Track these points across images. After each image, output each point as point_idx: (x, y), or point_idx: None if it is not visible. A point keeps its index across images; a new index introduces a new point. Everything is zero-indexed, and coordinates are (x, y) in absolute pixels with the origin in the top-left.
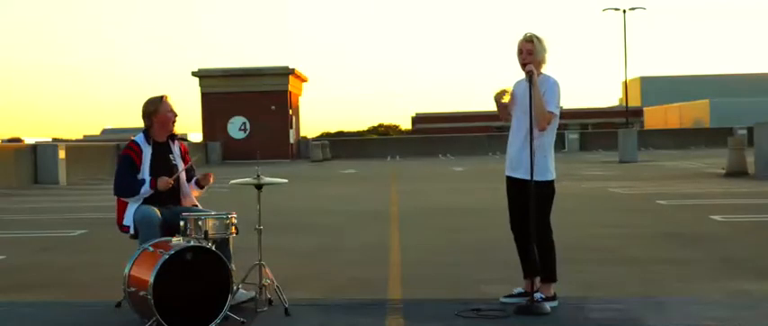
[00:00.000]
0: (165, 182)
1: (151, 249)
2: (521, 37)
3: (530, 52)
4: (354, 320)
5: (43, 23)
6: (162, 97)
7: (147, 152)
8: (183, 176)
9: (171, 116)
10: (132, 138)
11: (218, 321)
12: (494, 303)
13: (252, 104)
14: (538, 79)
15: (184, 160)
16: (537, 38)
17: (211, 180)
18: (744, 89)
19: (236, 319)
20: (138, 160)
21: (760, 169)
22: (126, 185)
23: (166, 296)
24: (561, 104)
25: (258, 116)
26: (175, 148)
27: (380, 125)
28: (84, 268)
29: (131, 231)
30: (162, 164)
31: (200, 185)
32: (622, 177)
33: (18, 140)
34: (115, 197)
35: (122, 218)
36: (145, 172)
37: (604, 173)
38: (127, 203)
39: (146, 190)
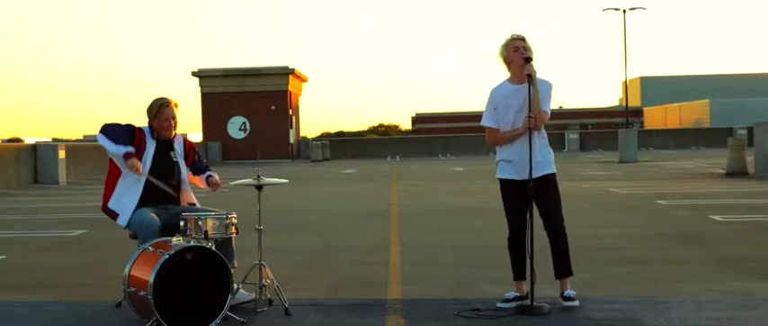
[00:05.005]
0: (134, 165)
1: (151, 248)
2: (507, 39)
3: (525, 48)
4: (354, 320)
5: (43, 23)
6: (165, 103)
7: (151, 148)
8: (184, 172)
9: (165, 125)
10: (139, 126)
11: (218, 320)
12: (494, 303)
13: (252, 104)
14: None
15: (189, 156)
16: (526, 38)
17: (219, 187)
18: (744, 89)
19: (236, 319)
20: (141, 149)
21: (760, 169)
22: (116, 132)
23: (166, 296)
24: (561, 105)
25: (258, 116)
26: (177, 145)
27: (380, 125)
28: (84, 268)
29: (121, 222)
30: (163, 161)
31: (208, 184)
32: (622, 177)
33: (18, 140)
34: (105, 179)
35: (108, 199)
36: (145, 167)
37: (604, 173)
38: (115, 185)
39: (119, 149)
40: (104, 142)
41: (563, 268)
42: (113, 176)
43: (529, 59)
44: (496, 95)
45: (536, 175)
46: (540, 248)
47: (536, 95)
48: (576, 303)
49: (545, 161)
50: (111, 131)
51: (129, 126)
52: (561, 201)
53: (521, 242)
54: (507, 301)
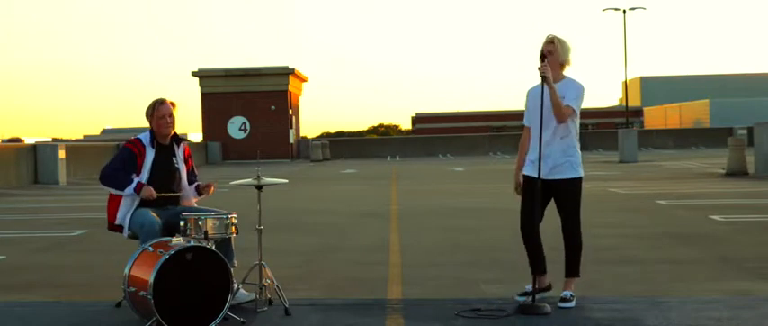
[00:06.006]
0: (148, 192)
1: (151, 248)
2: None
3: (551, 52)
4: (354, 320)
5: (43, 23)
6: (160, 101)
7: (150, 155)
8: (184, 177)
9: (162, 122)
10: (138, 135)
11: (218, 320)
12: (494, 303)
13: (252, 104)
14: (562, 82)
15: (186, 163)
16: (558, 39)
17: (212, 191)
18: (744, 89)
19: (236, 319)
20: (139, 159)
21: (760, 169)
22: (115, 176)
23: (166, 296)
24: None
25: (258, 116)
26: (179, 151)
27: (380, 125)
28: (84, 268)
29: (125, 233)
30: (164, 167)
31: (199, 193)
32: (622, 177)
33: (18, 140)
34: (108, 194)
35: (114, 216)
36: (144, 174)
37: (604, 173)
38: (119, 200)
39: (129, 191)
40: (111, 191)
41: (569, 269)
42: (115, 195)
43: (544, 58)
44: (529, 96)
45: (556, 177)
46: (553, 247)
47: (552, 93)
48: (570, 304)
49: (568, 164)
50: (109, 178)
51: (125, 152)
52: (580, 205)
53: (528, 238)
54: (525, 294)
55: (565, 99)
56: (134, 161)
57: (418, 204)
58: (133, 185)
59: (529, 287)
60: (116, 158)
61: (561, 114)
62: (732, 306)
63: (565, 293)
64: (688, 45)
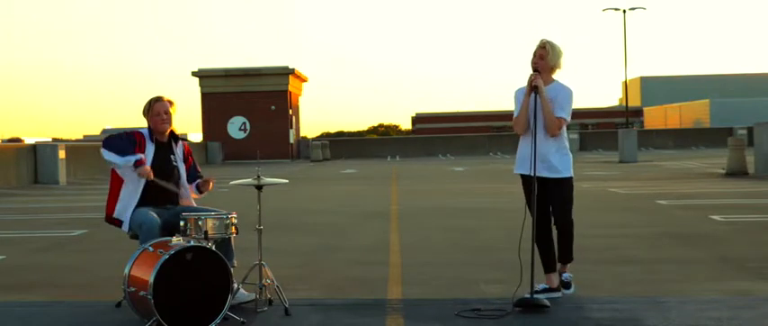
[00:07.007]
0: (146, 171)
1: (151, 248)
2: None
3: (542, 57)
4: (354, 320)
5: (43, 23)
6: (157, 98)
7: (150, 150)
8: (183, 176)
9: (159, 119)
10: (138, 129)
11: (218, 320)
12: (494, 303)
13: (252, 104)
14: (551, 85)
15: (186, 161)
16: (550, 44)
17: (211, 187)
18: (744, 89)
19: (236, 319)
20: (138, 147)
21: (760, 169)
22: (119, 143)
23: (166, 296)
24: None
25: (258, 116)
26: (177, 149)
27: (380, 125)
28: (84, 268)
29: (125, 228)
30: (163, 164)
31: (199, 191)
32: (622, 177)
33: (18, 140)
34: (108, 189)
35: (113, 209)
36: None
37: (604, 173)
38: (118, 192)
39: (129, 159)
40: (111, 157)
41: (563, 256)
42: (116, 187)
43: (536, 69)
44: (518, 96)
45: (554, 175)
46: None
47: (545, 108)
48: (571, 290)
49: (559, 165)
50: (114, 144)
51: (129, 135)
52: (571, 202)
53: (540, 235)
54: (537, 292)
55: (554, 103)
56: (134, 145)
57: (418, 204)
58: (134, 157)
59: (542, 286)
60: (120, 134)
61: (553, 128)
62: (732, 306)
63: (565, 275)
64: (688, 45)
